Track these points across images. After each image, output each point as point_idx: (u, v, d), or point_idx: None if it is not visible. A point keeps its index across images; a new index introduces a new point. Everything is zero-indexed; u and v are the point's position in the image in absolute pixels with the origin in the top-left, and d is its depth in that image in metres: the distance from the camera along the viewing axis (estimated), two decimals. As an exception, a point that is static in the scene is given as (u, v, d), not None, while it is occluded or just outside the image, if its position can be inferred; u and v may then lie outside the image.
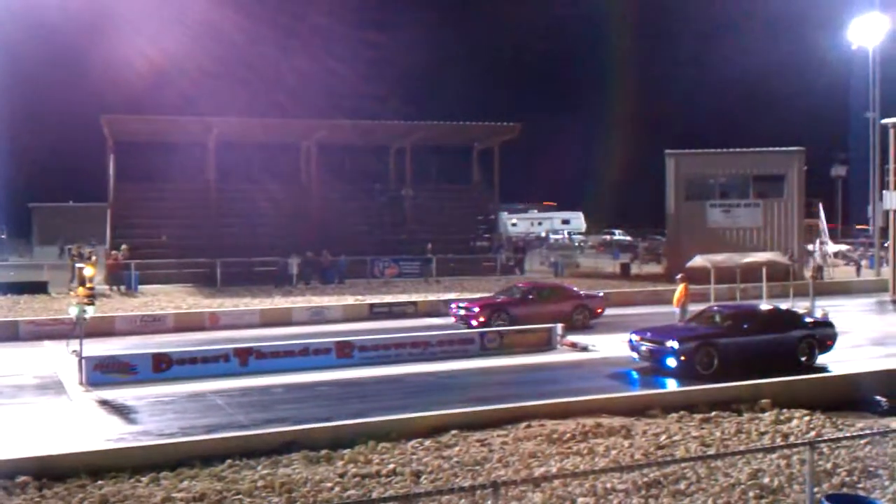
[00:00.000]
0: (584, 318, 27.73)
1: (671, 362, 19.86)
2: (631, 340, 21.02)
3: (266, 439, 13.32)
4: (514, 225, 75.92)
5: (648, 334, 20.85)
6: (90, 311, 20.04)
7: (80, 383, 18.92)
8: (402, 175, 51.93)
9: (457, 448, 13.19)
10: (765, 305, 23.90)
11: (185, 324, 28.03)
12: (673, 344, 19.92)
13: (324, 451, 12.86)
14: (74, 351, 19.83)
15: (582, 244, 71.21)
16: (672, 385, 19.00)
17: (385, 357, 21.72)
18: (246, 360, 20.53)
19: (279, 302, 33.12)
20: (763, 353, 20.26)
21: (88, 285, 21.62)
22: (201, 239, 43.08)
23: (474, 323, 26.36)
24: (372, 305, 31.44)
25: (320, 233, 44.05)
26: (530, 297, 27.84)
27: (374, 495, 11.10)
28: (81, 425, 15.70)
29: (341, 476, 11.87)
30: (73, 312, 19.88)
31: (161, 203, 46.15)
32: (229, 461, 12.39)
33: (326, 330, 26.48)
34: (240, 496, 11.09)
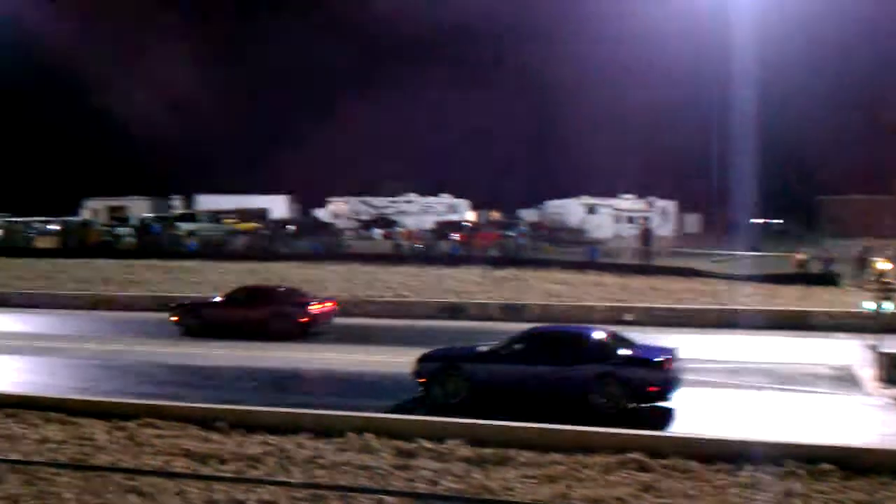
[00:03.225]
0: (282, 327, 24.31)
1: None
2: None
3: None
4: None
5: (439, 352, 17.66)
6: (888, 307, 19.62)
7: (877, 379, 18.61)
8: None
9: None
10: (568, 327, 19.16)
11: None
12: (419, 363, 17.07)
13: None
14: (872, 346, 19.55)
15: None
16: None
17: None
18: None
19: None
20: (533, 389, 16.08)
21: (884, 280, 21.20)
22: None
23: (172, 320, 25.81)
24: None
25: None
26: (234, 298, 25.74)
27: None
28: (878, 421, 15.45)
29: None
30: (869, 307, 19.71)
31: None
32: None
33: None
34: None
